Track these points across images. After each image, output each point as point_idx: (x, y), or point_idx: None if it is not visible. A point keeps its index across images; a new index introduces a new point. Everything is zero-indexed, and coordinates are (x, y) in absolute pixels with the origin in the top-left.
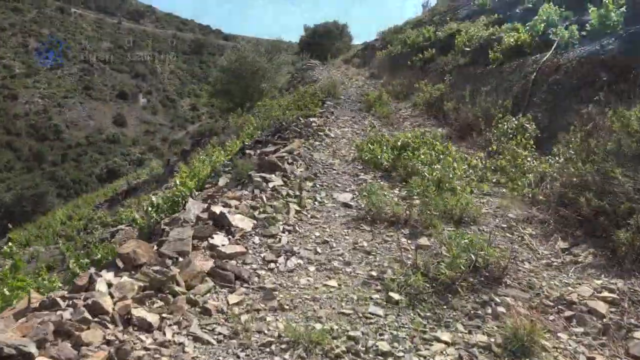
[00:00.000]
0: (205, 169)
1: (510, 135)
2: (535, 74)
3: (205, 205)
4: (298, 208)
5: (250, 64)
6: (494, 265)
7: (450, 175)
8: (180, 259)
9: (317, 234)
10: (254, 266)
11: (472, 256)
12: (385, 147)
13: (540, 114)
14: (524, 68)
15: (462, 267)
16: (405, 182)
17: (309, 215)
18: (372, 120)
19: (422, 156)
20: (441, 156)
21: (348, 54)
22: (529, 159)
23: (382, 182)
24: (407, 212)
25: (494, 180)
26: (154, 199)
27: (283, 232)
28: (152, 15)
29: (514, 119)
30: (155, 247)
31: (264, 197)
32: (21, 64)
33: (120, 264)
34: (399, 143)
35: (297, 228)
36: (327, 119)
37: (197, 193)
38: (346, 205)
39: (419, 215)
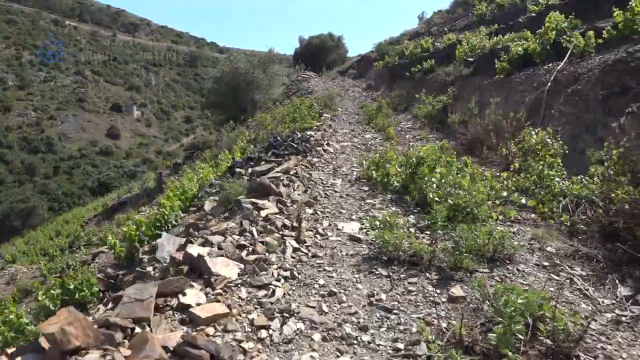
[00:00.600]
0: (193, 188)
1: (532, 152)
2: (549, 84)
3: (183, 241)
4: (296, 245)
5: (244, 75)
6: (563, 333)
7: (475, 200)
8: (137, 330)
9: (322, 281)
10: (239, 335)
11: (530, 320)
12: (394, 165)
13: (561, 128)
14: (536, 78)
15: (520, 336)
16: (420, 207)
17: (309, 254)
18: (374, 134)
19: (439, 175)
20: (459, 175)
21: (343, 66)
22: (557, 179)
23: (393, 208)
24: (431, 249)
25: (518, 203)
26: (134, 220)
27: (278, 279)
28: (147, 27)
29: (533, 133)
30: (104, 310)
31: (255, 231)
32: (14, 77)
33: (45, 344)
34: (413, 160)
35: (295, 273)
36: (325, 132)
37: (181, 216)
38: (354, 238)
39: (444, 252)
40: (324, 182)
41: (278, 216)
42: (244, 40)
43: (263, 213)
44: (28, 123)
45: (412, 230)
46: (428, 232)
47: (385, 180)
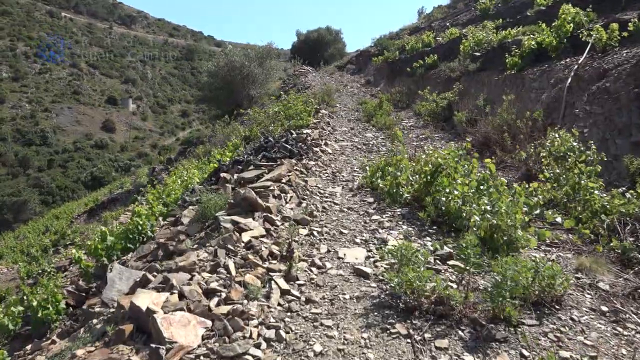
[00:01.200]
0: (176, 191)
1: (561, 158)
2: (569, 80)
3: (139, 276)
4: (285, 285)
5: (239, 69)
6: None
7: (509, 222)
8: None
9: (318, 346)
10: None
11: None
12: (406, 173)
13: (587, 130)
14: (553, 74)
15: None
16: (437, 225)
17: (302, 298)
18: (376, 133)
19: (460, 187)
20: (483, 185)
21: (342, 61)
22: (596, 192)
23: (405, 226)
24: (463, 294)
25: (550, 220)
26: (100, 231)
27: (258, 343)
28: (144, 20)
29: (556, 136)
30: None
31: (232, 266)
32: (9, 68)
33: None
34: (428, 168)
35: (282, 332)
36: (322, 130)
37: (160, 224)
38: (360, 272)
39: (478, 295)
40: (322, 192)
41: (264, 240)
42: (242, 34)
43: (246, 236)
44: (22, 115)
45: (431, 259)
46: (452, 264)
47: (394, 190)
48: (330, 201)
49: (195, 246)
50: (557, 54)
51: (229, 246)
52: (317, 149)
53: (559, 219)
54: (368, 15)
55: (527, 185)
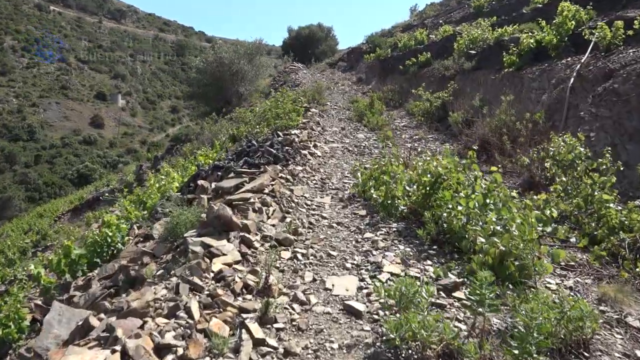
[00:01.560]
0: (153, 198)
1: (569, 166)
2: (572, 80)
3: (83, 317)
4: (260, 334)
5: (228, 66)
6: None
7: (520, 245)
8: None
9: None
10: None
11: None
12: (401, 184)
13: (594, 134)
14: (554, 74)
15: None
16: (438, 244)
17: (280, 349)
18: (367, 133)
19: (464, 202)
20: (488, 199)
21: (333, 58)
22: (610, 205)
23: (402, 246)
24: (476, 345)
25: (562, 237)
26: (63, 246)
27: None
28: (134, 15)
29: (562, 141)
30: None
31: (194, 308)
32: None
33: None
34: (427, 178)
35: None
36: (312, 131)
37: (135, 233)
38: (351, 310)
39: (492, 342)
40: (309, 203)
41: (239, 268)
42: (233, 31)
43: (217, 264)
44: (9, 110)
45: (433, 289)
46: (459, 297)
47: (389, 202)
48: (317, 214)
49: (161, 272)
50: (558, 53)
51: (195, 279)
52: (306, 152)
53: (574, 239)
54: (360, 13)
55: (533, 197)
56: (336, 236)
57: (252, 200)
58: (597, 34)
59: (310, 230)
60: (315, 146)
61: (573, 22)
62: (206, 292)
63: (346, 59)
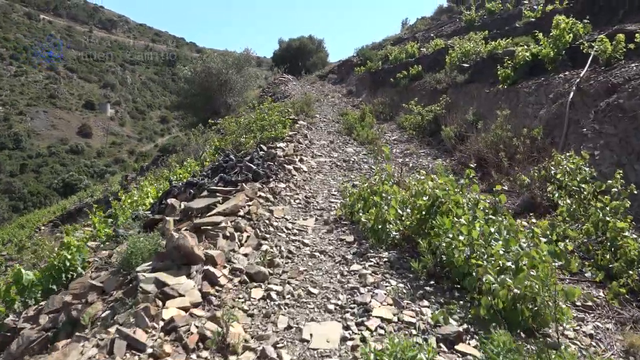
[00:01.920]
0: (125, 215)
1: (571, 188)
2: (571, 95)
3: None
4: None
5: (217, 76)
6: None
7: (536, 286)
8: None
9: None
10: None
11: None
12: (394, 207)
13: (599, 153)
14: (552, 88)
15: None
16: (436, 280)
17: None
18: (357, 147)
19: (465, 229)
20: (491, 225)
21: (324, 70)
22: (625, 233)
23: (394, 282)
24: None
25: (574, 270)
26: (14, 272)
27: None
28: (125, 25)
29: (563, 159)
30: None
31: None
32: None
33: None
34: (422, 202)
35: None
36: (298, 144)
37: (100, 256)
38: None
39: None
40: (290, 226)
41: (198, 313)
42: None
43: (170, 308)
44: None
45: (432, 340)
46: (463, 352)
47: (379, 227)
48: (299, 240)
49: (107, 313)
50: (555, 67)
51: (138, 332)
52: (291, 167)
53: (589, 274)
54: (351, 26)
55: (539, 223)
56: (318, 268)
57: (223, 224)
58: (596, 47)
59: (289, 261)
60: (301, 160)
61: (571, 35)
62: (149, 351)
63: (337, 71)
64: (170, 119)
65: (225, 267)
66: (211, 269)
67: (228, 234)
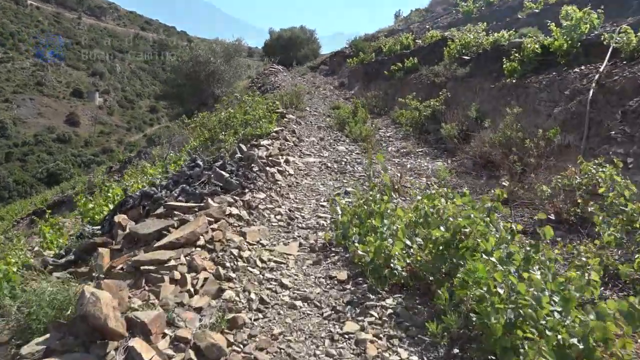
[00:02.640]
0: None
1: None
2: (591, 92)
3: None
4: None
5: (204, 65)
6: None
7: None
8: None
9: None
10: None
11: None
12: (400, 239)
13: (632, 160)
14: (567, 84)
15: None
16: (460, 346)
17: None
18: (349, 145)
19: (498, 276)
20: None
21: (315, 61)
22: None
23: (406, 353)
24: None
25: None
26: None
27: None
28: (115, 12)
29: (592, 167)
30: None
31: None
32: None
33: None
34: (441, 233)
35: None
36: (285, 141)
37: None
38: None
39: None
40: (265, 258)
41: None
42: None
43: None
44: None
45: None
46: None
47: (380, 262)
48: (275, 280)
49: None
50: (568, 60)
51: None
52: (274, 169)
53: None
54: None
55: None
56: (300, 329)
57: (172, 262)
58: (619, 39)
59: (261, 316)
60: (287, 162)
61: (587, 26)
62: None
63: (328, 62)
64: (159, 109)
65: (164, 335)
66: (138, 345)
67: (177, 277)
